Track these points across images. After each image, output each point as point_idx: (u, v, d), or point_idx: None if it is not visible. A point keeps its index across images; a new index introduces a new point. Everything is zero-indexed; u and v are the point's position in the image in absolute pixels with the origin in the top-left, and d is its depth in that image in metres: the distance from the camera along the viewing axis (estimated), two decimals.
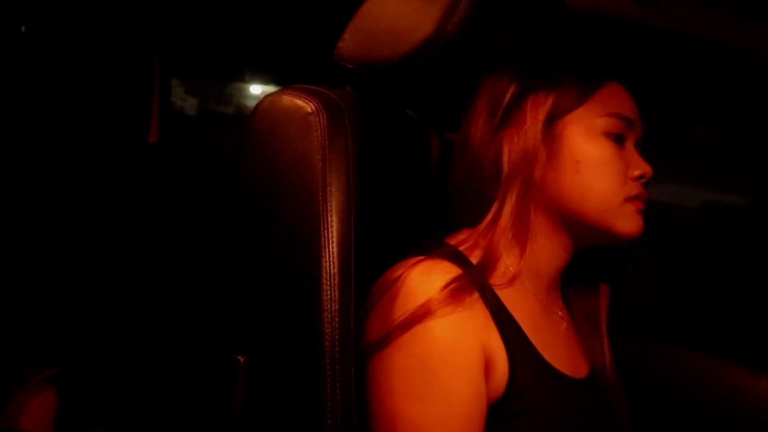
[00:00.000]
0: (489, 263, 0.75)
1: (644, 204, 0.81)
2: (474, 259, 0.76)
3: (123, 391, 1.42)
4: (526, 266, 0.79)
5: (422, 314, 0.68)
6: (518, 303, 0.77)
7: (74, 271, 1.46)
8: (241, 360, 0.78)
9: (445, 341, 0.69)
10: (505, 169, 0.78)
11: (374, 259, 0.76)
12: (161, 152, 1.60)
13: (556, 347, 0.79)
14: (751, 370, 1.01)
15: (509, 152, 0.78)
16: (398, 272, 0.72)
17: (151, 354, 1.44)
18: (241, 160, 0.80)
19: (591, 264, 0.88)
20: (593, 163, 0.78)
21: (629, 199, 0.79)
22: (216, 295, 0.89)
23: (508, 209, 0.77)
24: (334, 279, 0.72)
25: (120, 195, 1.52)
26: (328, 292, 0.72)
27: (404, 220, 0.85)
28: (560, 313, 0.85)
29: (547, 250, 0.81)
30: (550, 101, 0.79)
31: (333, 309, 0.72)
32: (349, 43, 0.82)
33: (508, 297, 0.76)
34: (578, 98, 0.79)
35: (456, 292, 0.69)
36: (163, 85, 1.59)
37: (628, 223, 0.79)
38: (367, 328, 0.73)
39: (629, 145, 0.81)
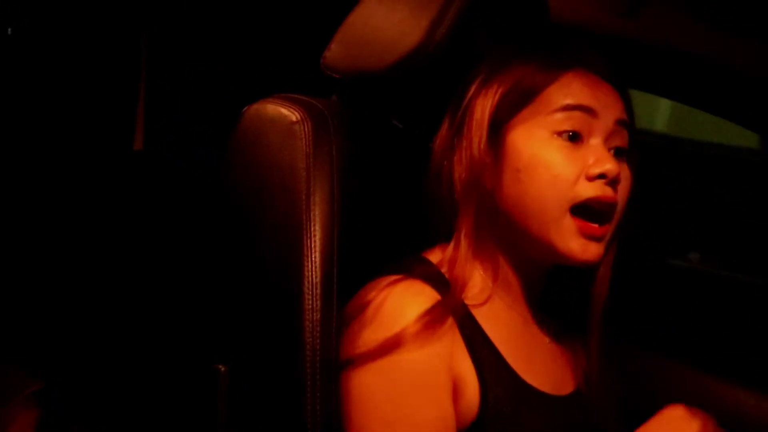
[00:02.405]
0: (458, 284, 0.72)
1: (600, 220, 0.72)
2: (449, 277, 0.73)
3: (106, 400, 1.40)
4: (499, 281, 0.76)
5: (394, 344, 0.67)
6: (496, 320, 0.75)
7: (57, 279, 1.45)
8: (222, 369, 0.78)
9: (414, 370, 0.68)
10: (458, 183, 0.74)
11: (358, 269, 0.76)
12: (146, 159, 1.60)
13: (537, 364, 0.77)
14: (748, 388, 1.02)
15: (459, 164, 0.74)
16: (372, 294, 0.71)
17: (133, 362, 1.43)
18: (226, 168, 0.80)
19: (575, 275, 0.86)
20: (533, 168, 0.70)
21: (575, 212, 0.71)
22: (198, 304, 0.89)
23: (466, 225, 0.73)
24: (316, 288, 0.72)
25: (104, 202, 1.51)
26: (310, 302, 0.72)
27: (389, 229, 0.85)
28: (543, 329, 0.82)
29: (516, 266, 0.77)
30: (493, 104, 0.73)
31: (315, 318, 0.72)
32: (335, 52, 0.82)
33: (484, 315, 0.74)
34: (523, 97, 0.72)
35: (430, 323, 0.68)
36: (148, 91, 1.58)
37: (569, 243, 0.71)
38: (343, 342, 0.72)
39: (594, 141, 0.72)
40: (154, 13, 1.57)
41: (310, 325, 0.71)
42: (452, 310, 0.70)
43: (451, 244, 0.75)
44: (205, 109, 1.58)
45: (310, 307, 0.72)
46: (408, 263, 0.75)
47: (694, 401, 0.95)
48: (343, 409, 0.70)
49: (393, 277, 0.71)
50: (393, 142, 0.90)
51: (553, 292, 0.84)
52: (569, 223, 0.71)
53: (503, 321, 0.77)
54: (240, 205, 0.79)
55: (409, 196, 0.87)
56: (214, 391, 0.77)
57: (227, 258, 0.79)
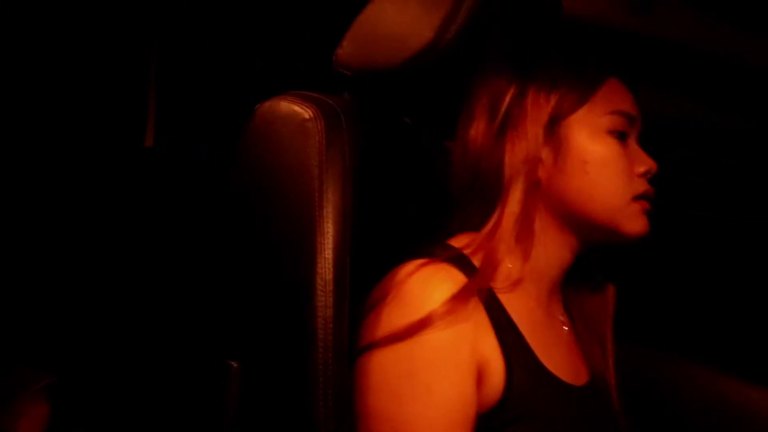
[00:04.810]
0: (491, 267, 0.74)
1: (650, 202, 0.81)
2: (477, 263, 0.75)
3: (115, 395, 1.41)
4: (529, 270, 0.79)
5: (420, 326, 0.68)
6: (520, 308, 0.77)
7: (68, 276, 1.46)
8: (234, 365, 0.78)
9: (436, 349, 0.68)
10: (507, 172, 0.77)
11: (370, 266, 0.76)
12: (157, 156, 1.60)
13: (557, 353, 0.79)
14: (750, 383, 1.01)
15: (511, 156, 0.77)
16: (399, 277, 0.72)
17: (144, 358, 1.44)
18: (238, 165, 0.80)
19: (592, 268, 0.87)
20: (600, 162, 0.78)
21: (636, 198, 0.79)
22: (210, 300, 0.89)
23: (511, 213, 0.76)
24: (328, 285, 0.72)
25: (115, 198, 1.52)
26: (323, 299, 0.72)
27: (401, 226, 0.85)
28: (561, 318, 0.85)
29: (551, 253, 0.80)
30: (551, 103, 0.78)
31: (327, 315, 0.72)
32: (347, 49, 0.82)
33: (509, 301, 0.76)
34: (580, 99, 0.78)
35: (456, 306, 0.69)
36: (159, 88, 1.59)
37: (634, 223, 0.79)
38: (364, 329, 0.72)
39: (632, 142, 0.81)
40: (165, 12, 1.57)
41: (323, 321, 0.72)
42: (479, 293, 0.71)
43: (484, 233, 0.77)
44: (216, 106, 1.58)
45: (323, 303, 0.72)
46: (433, 249, 0.76)
47: (693, 394, 0.96)
48: (358, 390, 0.71)
49: (419, 261, 0.73)
50: (404, 139, 0.90)
51: (568, 285, 0.86)
52: (635, 207, 0.79)
53: (527, 309, 0.78)
54: (252, 202, 0.79)
55: (420, 192, 0.88)
56: (226, 387, 0.77)
57: (239, 254, 0.79)
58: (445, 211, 0.83)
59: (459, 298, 0.69)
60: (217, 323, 0.82)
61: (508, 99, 0.79)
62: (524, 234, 0.77)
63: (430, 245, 0.77)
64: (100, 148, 1.53)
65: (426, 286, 0.70)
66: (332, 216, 0.74)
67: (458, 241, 0.78)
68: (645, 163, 0.80)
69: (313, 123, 0.75)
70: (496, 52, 0.83)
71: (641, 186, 0.79)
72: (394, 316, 0.70)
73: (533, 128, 0.77)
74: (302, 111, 0.76)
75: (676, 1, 1.05)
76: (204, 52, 1.60)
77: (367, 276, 0.75)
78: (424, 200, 0.87)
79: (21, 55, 1.43)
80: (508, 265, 0.77)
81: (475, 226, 0.79)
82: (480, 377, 0.71)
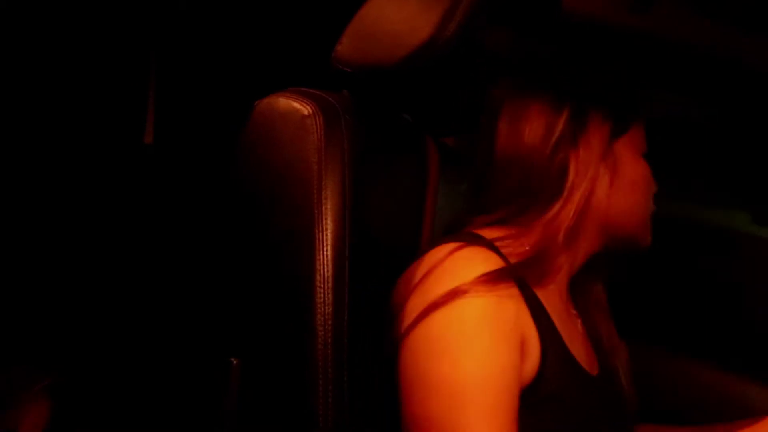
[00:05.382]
0: (535, 263, 0.77)
1: None
2: (512, 256, 0.76)
3: (116, 392, 1.41)
4: (562, 271, 0.83)
5: (462, 291, 0.69)
6: (548, 298, 0.79)
7: (67, 273, 1.46)
8: (234, 362, 0.78)
9: (483, 311, 0.69)
10: (569, 184, 0.80)
11: (369, 262, 0.76)
12: (157, 153, 1.60)
13: (576, 344, 0.82)
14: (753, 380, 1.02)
15: (575, 169, 0.80)
16: (440, 254, 0.73)
17: (144, 355, 1.44)
18: (237, 162, 0.80)
19: (592, 265, 0.89)
20: (645, 183, 0.85)
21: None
22: (210, 297, 0.89)
23: (565, 218, 0.79)
24: (327, 282, 0.72)
25: (115, 196, 1.52)
26: (322, 295, 0.72)
27: (400, 222, 0.85)
28: (574, 312, 0.88)
29: (578, 255, 0.84)
30: (610, 122, 0.82)
31: (326, 312, 0.72)
32: (346, 46, 0.82)
33: (540, 294, 0.78)
34: (630, 120, 0.84)
35: (495, 281, 0.70)
36: (159, 85, 1.59)
37: (648, 236, 0.87)
38: (405, 306, 0.72)
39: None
40: (164, 9, 1.57)
41: (322, 318, 0.72)
42: (516, 278, 0.73)
43: (530, 231, 0.79)
44: (215, 103, 1.58)
45: (322, 300, 0.72)
46: (465, 236, 0.77)
47: (698, 394, 0.97)
48: (405, 358, 0.70)
49: (456, 244, 0.74)
50: (403, 136, 0.90)
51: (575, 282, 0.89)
52: (648, 221, 0.87)
53: (554, 301, 0.81)
54: (251, 199, 0.79)
55: (419, 188, 0.88)
56: (226, 383, 0.78)
57: (239, 251, 0.79)
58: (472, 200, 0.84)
59: (498, 275, 0.71)
60: (218, 320, 0.82)
61: (566, 114, 0.81)
62: (571, 239, 0.81)
63: (459, 234, 0.78)
64: (99, 146, 1.53)
65: (468, 262, 0.72)
66: (331, 212, 0.74)
67: (488, 233, 0.79)
68: (654, 183, 0.87)
69: (312, 119, 0.75)
70: (497, 53, 0.85)
71: (653, 204, 0.87)
72: (438, 287, 0.70)
73: (596, 146, 0.81)
74: (301, 107, 0.76)
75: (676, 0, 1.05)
76: (203, 49, 1.60)
77: (367, 272, 0.76)
78: (422, 197, 0.87)
79: (20, 52, 1.43)
80: (547, 263, 0.79)
81: (515, 222, 0.80)
82: (521, 352, 0.72)
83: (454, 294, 0.69)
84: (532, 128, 0.81)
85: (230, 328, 0.80)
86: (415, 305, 0.71)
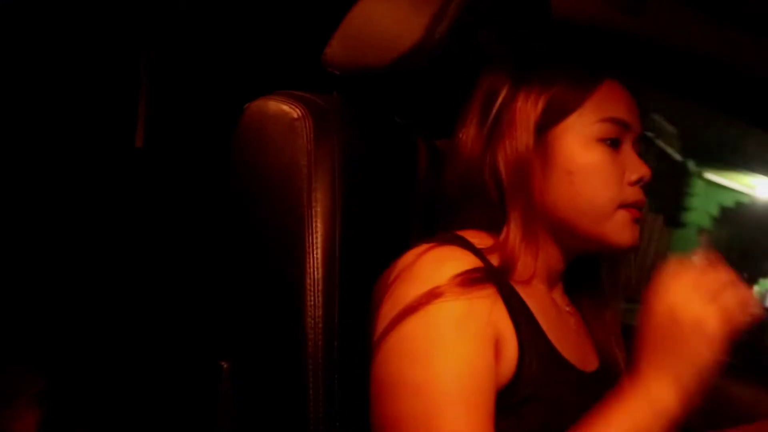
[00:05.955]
0: (509, 266, 0.75)
1: (641, 210, 0.79)
2: (493, 259, 0.75)
3: (109, 395, 1.41)
4: (538, 268, 0.79)
5: (434, 295, 0.68)
6: (533, 296, 0.77)
7: (59, 275, 1.45)
8: (225, 365, 0.78)
9: (452, 312, 0.68)
10: (504, 180, 0.77)
11: (360, 265, 0.76)
12: (147, 157, 1.60)
13: (567, 341, 0.79)
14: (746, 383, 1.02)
15: (504, 163, 0.77)
16: (411, 257, 0.71)
17: (136, 357, 1.43)
18: (227, 165, 0.80)
19: (597, 261, 0.88)
20: (586, 172, 0.76)
21: (624, 206, 0.77)
22: (201, 300, 0.89)
23: (515, 220, 0.76)
24: (318, 284, 0.72)
25: (107, 199, 1.51)
26: (312, 298, 0.72)
27: (391, 225, 0.85)
28: (568, 309, 0.85)
29: (552, 255, 0.81)
30: (539, 110, 0.77)
31: (317, 315, 0.72)
32: (336, 49, 0.82)
33: (523, 290, 0.76)
34: (568, 106, 0.77)
35: (469, 281, 0.69)
36: (150, 88, 1.59)
37: (621, 233, 0.77)
38: (380, 310, 0.71)
39: (626, 147, 0.79)
40: (155, 13, 1.57)
41: (312, 321, 0.72)
42: (493, 277, 0.71)
43: (498, 234, 0.77)
44: (206, 106, 1.58)
45: (312, 303, 0.72)
46: (441, 237, 0.76)
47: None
48: (378, 362, 0.69)
49: (430, 244, 0.72)
50: (394, 138, 0.90)
51: (571, 279, 0.87)
52: (622, 216, 0.78)
53: (539, 299, 0.79)
54: (241, 202, 0.79)
55: (410, 190, 0.87)
56: (218, 386, 0.77)
57: (229, 254, 0.79)
58: (437, 209, 0.83)
59: (470, 275, 0.69)
60: (208, 323, 0.82)
61: (498, 103, 0.78)
62: (530, 239, 0.77)
63: (435, 236, 0.77)
64: (91, 149, 1.52)
65: (437, 264, 0.70)
66: (321, 215, 0.74)
67: (466, 235, 0.78)
68: (637, 171, 0.78)
69: (302, 122, 0.75)
70: (489, 53, 0.83)
71: (631, 194, 0.78)
72: (409, 290, 0.69)
73: (522, 136, 0.76)
74: (290, 110, 0.76)
75: (668, 0, 1.05)
76: (194, 52, 1.59)
77: (357, 274, 0.75)
78: (412, 198, 0.86)
79: (11, 55, 1.42)
80: (522, 264, 0.77)
81: (483, 225, 0.79)
82: (496, 352, 0.70)
83: (425, 297, 0.68)
84: (470, 126, 0.79)
85: (221, 331, 0.79)
86: (387, 309, 0.70)
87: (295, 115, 0.75)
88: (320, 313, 0.72)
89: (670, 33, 1.06)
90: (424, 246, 0.72)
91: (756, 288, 1.98)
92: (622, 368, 0.84)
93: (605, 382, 0.81)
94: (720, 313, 0.67)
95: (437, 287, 0.68)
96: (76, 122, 1.50)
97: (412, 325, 0.68)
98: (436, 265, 0.70)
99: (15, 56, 1.42)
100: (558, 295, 0.85)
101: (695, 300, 0.67)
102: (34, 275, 1.42)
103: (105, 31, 1.51)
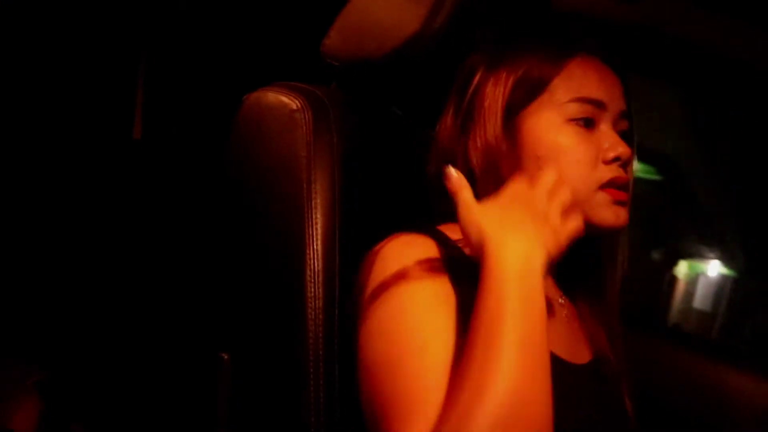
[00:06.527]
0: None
1: (624, 189, 0.76)
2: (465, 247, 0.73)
3: (108, 388, 1.41)
4: None
5: (399, 277, 0.67)
6: None
7: (57, 269, 1.45)
8: (225, 357, 0.78)
9: (418, 290, 0.67)
10: (476, 168, 0.75)
11: (359, 257, 0.76)
12: (145, 148, 1.59)
13: (556, 333, 0.78)
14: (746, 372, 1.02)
15: (474, 152, 0.76)
16: (377, 247, 0.71)
17: (136, 350, 1.44)
18: (226, 157, 0.80)
19: (592, 253, 0.86)
20: (554, 155, 0.73)
21: (603, 187, 0.74)
22: (201, 292, 0.89)
23: None
24: (318, 276, 0.72)
25: (105, 192, 1.51)
26: (312, 289, 0.72)
27: (390, 216, 0.85)
28: (561, 301, 0.84)
29: None
30: (507, 92, 0.75)
31: (317, 306, 0.72)
32: (334, 40, 0.82)
33: None
34: (537, 85, 0.74)
35: (433, 268, 0.68)
36: (147, 80, 1.58)
37: (603, 213, 0.75)
38: (354, 297, 0.71)
39: (604, 127, 0.76)
40: (152, 5, 1.56)
41: (313, 312, 0.72)
42: (465, 272, 0.69)
43: None
44: (203, 97, 1.57)
45: (313, 294, 0.72)
46: (415, 226, 0.75)
47: (689, 382, 0.96)
48: (359, 346, 0.68)
49: (399, 233, 0.72)
50: (393, 128, 0.90)
51: (565, 269, 0.85)
52: (602, 197, 0.75)
53: None
54: (241, 194, 0.79)
55: (409, 182, 0.88)
56: (218, 378, 0.78)
57: (229, 247, 0.79)
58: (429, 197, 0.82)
59: (435, 263, 0.68)
60: (208, 315, 0.82)
61: (471, 90, 0.77)
62: None
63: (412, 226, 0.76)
64: (88, 141, 1.52)
65: (401, 249, 0.69)
66: (321, 206, 0.74)
67: (447, 229, 0.77)
68: (613, 149, 0.75)
69: (301, 113, 0.75)
70: (478, 42, 0.82)
71: (608, 173, 0.74)
72: (375, 275, 0.69)
73: (490, 120, 0.75)
74: (290, 102, 0.76)
75: None
76: (191, 44, 1.59)
77: (357, 266, 0.75)
78: (412, 189, 0.87)
79: (9, 51, 1.42)
80: None
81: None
82: None
83: (393, 279, 0.67)
84: (446, 114, 0.79)
85: (221, 323, 0.80)
86: (358, 294, 0.70)
87: (295, 107, 0.75)
88: (320, 304, 0.72)
89: (667, 21, 1.06)
90: (394, 234, 0.72)
91: (684, 270, 1.92)
92: (613, 361, 0.82)
93: (598, 374, 0.80)
94: (558, 211, 0.67)
95: (404, 268, 0.67)
96: (74, 114, 1.50)
97: (383, 307, 0.67)
98: (402, 249, 0.69)
99: (11, 48, 1.42)
100: (549, 286, 0.82)
101: (541, 195, 0.67)
102: (31, 268, 1.42)
103: (103, 22, 1.51)
